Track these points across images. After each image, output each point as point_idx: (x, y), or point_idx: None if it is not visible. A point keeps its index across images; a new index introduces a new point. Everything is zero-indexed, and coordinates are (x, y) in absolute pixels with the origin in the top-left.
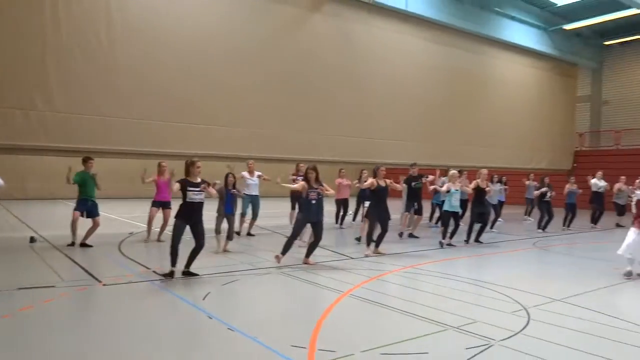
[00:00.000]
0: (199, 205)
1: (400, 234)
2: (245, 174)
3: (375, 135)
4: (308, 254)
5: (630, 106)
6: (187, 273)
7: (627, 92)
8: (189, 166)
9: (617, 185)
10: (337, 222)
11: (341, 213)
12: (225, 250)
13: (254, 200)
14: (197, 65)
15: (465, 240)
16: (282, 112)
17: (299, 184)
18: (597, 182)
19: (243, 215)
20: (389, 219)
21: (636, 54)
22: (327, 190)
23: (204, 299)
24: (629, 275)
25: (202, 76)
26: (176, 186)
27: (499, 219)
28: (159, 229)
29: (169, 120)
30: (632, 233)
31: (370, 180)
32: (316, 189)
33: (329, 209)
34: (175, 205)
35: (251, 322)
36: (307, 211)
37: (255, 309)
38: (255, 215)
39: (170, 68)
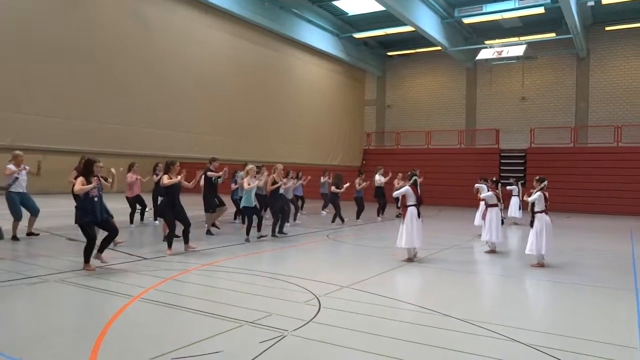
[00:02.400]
0: None
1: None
2: (12, 166)
3: (174, 127)
4: (101, 249)
5: (407, 111)
6: None
7: (406, 99)
8: None
9: (396, 181)
10: (132, 223)
11: (138, 210)
12: None
13: (24, 199)
14: None
15: (273, 235)
16: (61, 97)
17: (79, 182)
18: (379, 178)
19: (18, 219)
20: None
21: (412, 66)
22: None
23: None
24: (409, 260)
25: None
26: None
27: (301, 211)
28: None
29: None
30: (401, 226)
31: (169, 178)
32: (97, 184)
33: (118, 206)
34: None
35: (16, 341)
36: (87, 211)
37: (22, 326)
38: (37, 211)
39: None
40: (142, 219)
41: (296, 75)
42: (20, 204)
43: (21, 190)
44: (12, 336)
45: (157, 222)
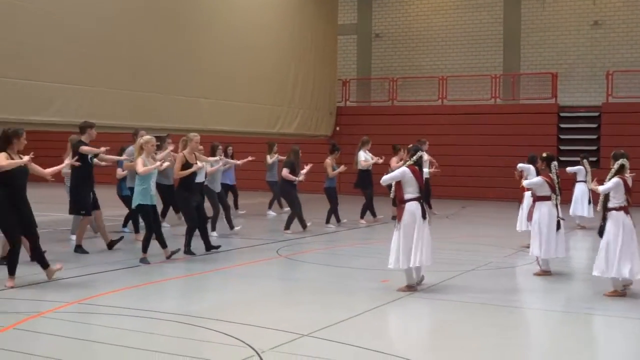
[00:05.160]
0: None
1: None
2: None
3: (10, 73)
4: None
5: (408, 45)
6: None
7: (405, 25)
8: None
9: (394, 159)
10: None
11: None
12: None
13: None
14: None
15: (185, 251)
16: None
17: None
18: (365, 156)
19: None
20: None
21: None
22: None
23: None
24: (411, 289)
25: None
26: None
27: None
28: None
29: None
30: (396, 233)
31: (7, 157)
32: None
33: None
34: None
35: None
36: None
37: None
38: None
39: None
40: None
41: None
42: None
43: None
44: None
45: None
